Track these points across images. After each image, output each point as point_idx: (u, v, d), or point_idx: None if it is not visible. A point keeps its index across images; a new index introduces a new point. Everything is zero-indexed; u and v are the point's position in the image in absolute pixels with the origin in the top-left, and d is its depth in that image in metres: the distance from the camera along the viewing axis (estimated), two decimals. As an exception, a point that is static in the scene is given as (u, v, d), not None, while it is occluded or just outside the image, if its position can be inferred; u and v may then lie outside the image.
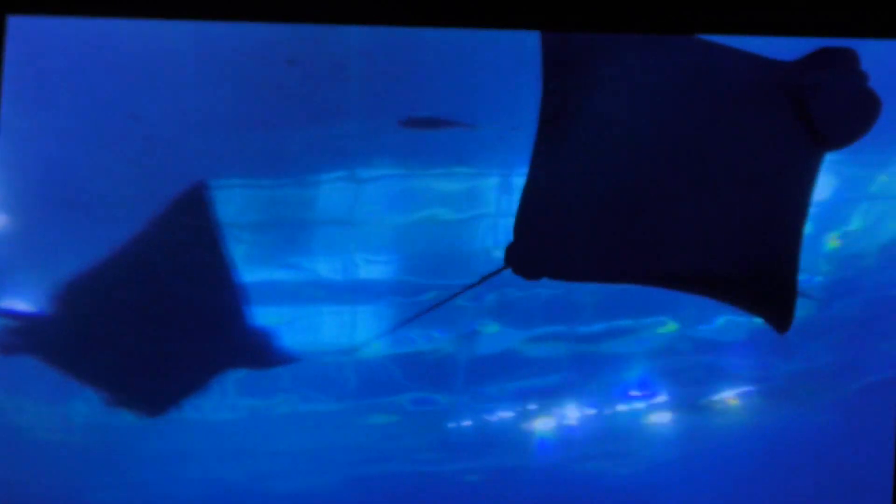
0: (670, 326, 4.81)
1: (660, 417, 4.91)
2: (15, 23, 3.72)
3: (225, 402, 4.72)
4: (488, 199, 4.56)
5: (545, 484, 5.03)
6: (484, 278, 4.13)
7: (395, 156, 4.48)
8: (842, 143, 3.32)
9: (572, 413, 4.93)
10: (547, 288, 4.52)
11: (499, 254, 4.26)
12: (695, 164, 3.43)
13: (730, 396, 4.87)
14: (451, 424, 4.99)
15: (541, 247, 3.79)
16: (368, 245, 4.63)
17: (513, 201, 4.33)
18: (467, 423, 4.99)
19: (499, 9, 3.34)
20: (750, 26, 3.16)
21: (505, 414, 4.98)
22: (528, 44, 3.64)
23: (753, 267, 3.49)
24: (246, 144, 4.32)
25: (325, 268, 4.67)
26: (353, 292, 4.70)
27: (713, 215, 3.47)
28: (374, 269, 4.68)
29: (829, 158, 3.51)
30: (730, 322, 4.68)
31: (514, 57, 3.93)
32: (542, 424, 4.96)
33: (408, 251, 4.66)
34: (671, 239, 3.55)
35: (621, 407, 4.92)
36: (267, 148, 4.37)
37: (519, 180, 4.23)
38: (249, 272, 4.41)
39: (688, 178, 3.45)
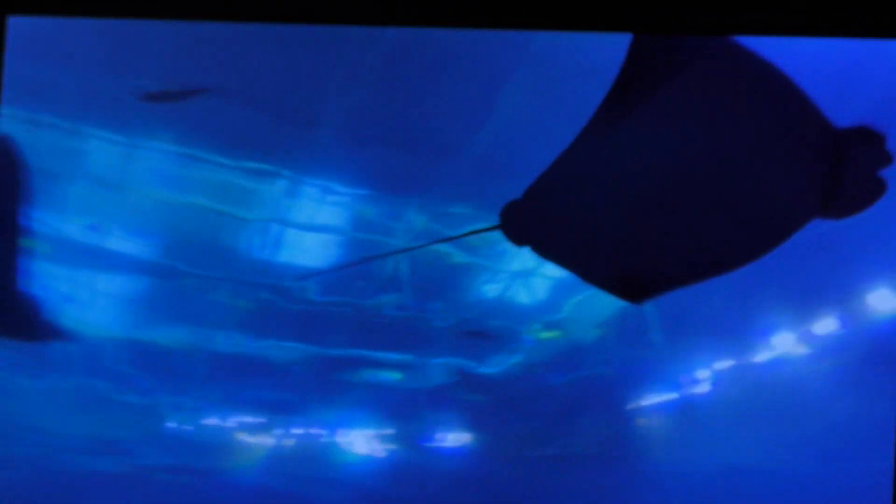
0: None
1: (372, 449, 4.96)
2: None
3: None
4: (267, 199, 4.44)
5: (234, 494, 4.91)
6: (471, 232, 4.10)
7: (180, 131, 4.26)
8: (837, 216, 3.56)
9: (293, 431, 4.92)
10: (309, 305, 4.55)
11: (266, 257, 4.40)
12: (721, 195, 3.56)
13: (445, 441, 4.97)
14: (171, 423, 4.78)
15: (541, 215, 3.75)
16: (131, 217, 4.36)
17: (294, 207, 4.44)
18: (183, 424, 4.82)
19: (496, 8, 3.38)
20: (750, 26, 3.25)
21: (222, 421, 4.86)
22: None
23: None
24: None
25: (75, 230, 4.33)
26: (100, 262, 4.40)
27: (704, 249, 3.65)
28: (129, 243, 4.41)
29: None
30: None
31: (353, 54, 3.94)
32: (257, 438, 4.89)
33: (169, 233, 4.42)
34: (654, 257, 3.70)
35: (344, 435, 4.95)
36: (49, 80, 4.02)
37: (307, 188, 4.33)
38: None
39: (705, 205, 3.57)
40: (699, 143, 3.50)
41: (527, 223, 3.80)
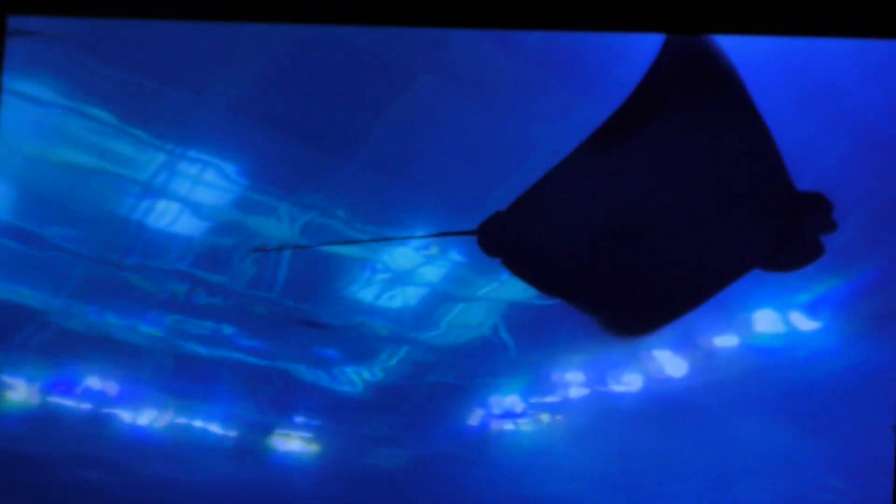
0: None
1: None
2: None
3: None
4: (146, 170, 4.23)
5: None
6: (448, 233, 4.05)
7: (64, 82, 4.06)
8: (774, 270, 3.76)
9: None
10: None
11: (136, 228, 4.21)
12: (686, 237, 3.68)
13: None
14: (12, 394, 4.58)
15: (520, 231, 3.75)
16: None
17: (173, 180, 4.24)
18: (30, 398, 4.63)
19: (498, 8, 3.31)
20: (750, 26, 3.23)
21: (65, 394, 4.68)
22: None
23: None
24: None
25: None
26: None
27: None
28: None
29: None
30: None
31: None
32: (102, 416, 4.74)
33: (35, 189, 4.21)
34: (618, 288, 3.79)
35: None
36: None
37: (189, 162, 4.16)
38: None
39: (670, 244, 3.69)
40: (680, 184, 3.62)
41: (504, 236, 3.81)
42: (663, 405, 4.56)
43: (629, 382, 4.65)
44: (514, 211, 3.75)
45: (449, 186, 4.09)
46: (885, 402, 4.37)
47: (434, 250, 4.35)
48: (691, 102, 3.51)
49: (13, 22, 3.63)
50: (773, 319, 4.32)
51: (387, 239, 4.27)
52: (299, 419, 4.83)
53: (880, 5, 3.15)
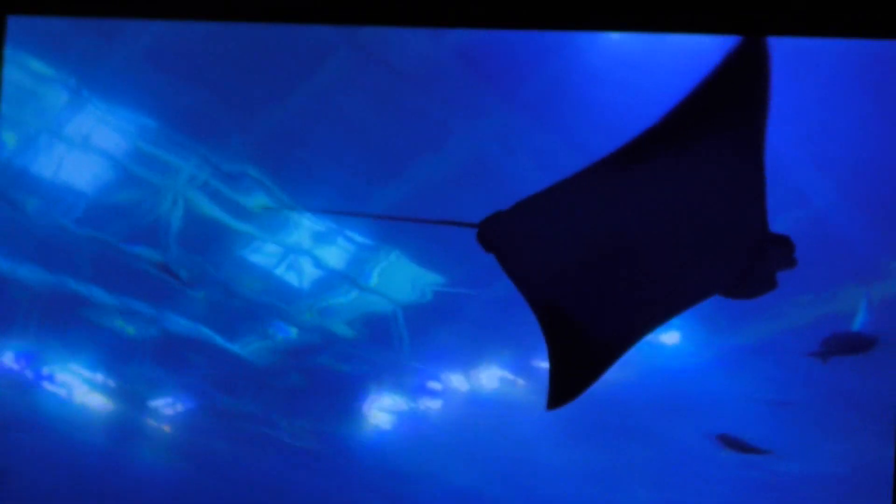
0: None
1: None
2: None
3: None
4: (44, 106, 4.06)
5: None
6: (449, 222, 3.90)
7: None
8: (733, 297, 3.84)
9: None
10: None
11: (24, 168, 4.06)
12: (669, 261, 3.73)
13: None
14: None
15: (519, 234, 3.73)
16: None
17: (72, 122, 4.05)
18: None
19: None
20: (750, 26, 3.20)
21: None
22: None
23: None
24: None
25: None
26: None
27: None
28: None
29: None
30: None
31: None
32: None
33: None
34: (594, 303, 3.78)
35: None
36: None
37: (91, 105, 3.94)
38: None
39: (657, 271, 3.73)
40: (684, 216, 3.66)
41: (502, 236, 3.75)
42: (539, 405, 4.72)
43: (515, 381, 4.80)
44: (516, 212, 3.73)
45: (352, 164, 4.05)
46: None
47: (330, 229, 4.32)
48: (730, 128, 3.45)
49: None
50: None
51: (395, 218, 4.19)
52: (183, 379, 4.82)
53: (880, 5, 3.15)
